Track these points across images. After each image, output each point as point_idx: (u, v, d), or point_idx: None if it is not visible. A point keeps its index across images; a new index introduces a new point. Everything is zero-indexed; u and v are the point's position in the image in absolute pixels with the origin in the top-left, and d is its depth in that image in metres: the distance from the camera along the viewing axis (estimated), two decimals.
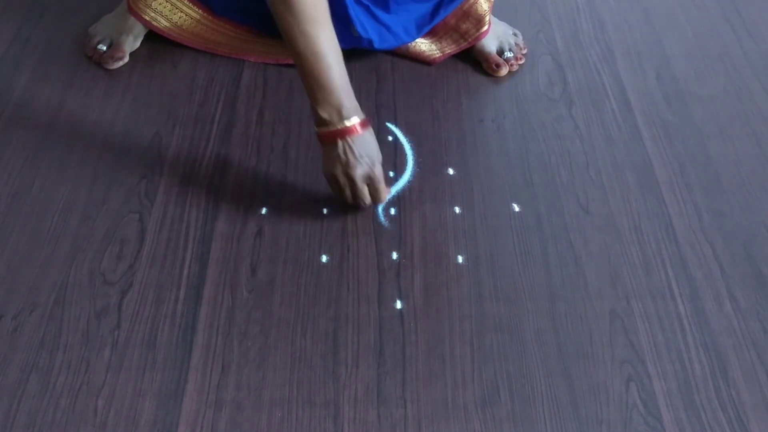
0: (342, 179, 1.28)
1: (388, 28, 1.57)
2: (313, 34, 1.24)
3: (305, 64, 1.25)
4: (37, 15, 1.72)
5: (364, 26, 1.54)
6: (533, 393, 1.12)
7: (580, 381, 1.13)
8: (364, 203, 1.31)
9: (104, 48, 1.60)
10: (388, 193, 1.33)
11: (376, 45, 1.57)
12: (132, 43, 1.62)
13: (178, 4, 1.59)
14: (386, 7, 1.56)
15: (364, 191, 1.29)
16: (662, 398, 1.11)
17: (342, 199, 1.31)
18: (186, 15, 1.61)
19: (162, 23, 1.60)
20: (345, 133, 1.26)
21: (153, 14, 1.58)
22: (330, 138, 1.27)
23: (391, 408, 1.10)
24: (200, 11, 1.61)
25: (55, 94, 1.54)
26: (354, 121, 1.26)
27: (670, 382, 1.13)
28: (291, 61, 1.57)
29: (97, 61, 1.60)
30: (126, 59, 1.60)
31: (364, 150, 1.27)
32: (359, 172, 1.27)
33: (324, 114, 1.26)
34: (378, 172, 1.29)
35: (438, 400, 1.11)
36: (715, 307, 1.22)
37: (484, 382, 1.13)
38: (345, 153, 1.26)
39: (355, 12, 1.52)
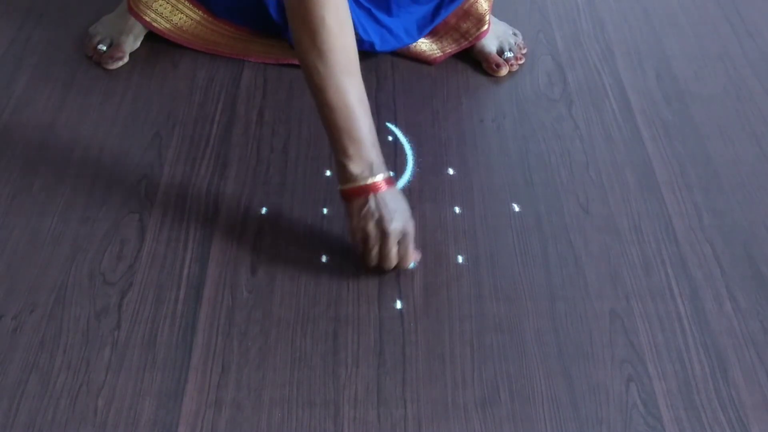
0: (374, 235, 1.20)
1: (389, 30, 1.57)
2: (346, 85, 1.18)
3: (338, 118, 1.18)
4: (37, 15, 1.72)
5: (366, 29, 1.54)
6: (533, 393, 1.12)
7: (580, 381, 1.13)
8: (390, 265, 1.22)
9: (104, 48, 1.60)
10: (416, 258, 1.24)
11: (378, 47, 1.57)
12: (132, 43, 1.62)
13: (179, 5, 1.59)
14: (388, 10, 1.56)
15: (394, 251, 1.21)
16: (662, 398, 1.11)
17: (365, 262, 1.23)
18: (186, 16, 1.60)
19: (162, 24, 1.60)
20: (376, 188, 1.19)
21: (153, 15, 1.58)
22: (360, 193, 1.19)
23: (391, 408, 1.10)
24: (200, 12, 1.61)
25: (55, 94, 1.54)
26: (384, 176, 1.20)
27: (670, 382, 1.13)
28: (291, 61, 1.59)
29: (97, 61, 1.60)
30: (126, 59, 1.60)
31: (398, 205, 1.20)
32: (395, 227, 1.19)
33: (356, 169, 1.19)
34: (412, 228, 1.22)
35: (438, 400, 1.11)
36: (715, 307, 1.22)
37: (484, 382, 1.13)
38: (378, 208, 1.19)
39: (356, 15, 1.51)
